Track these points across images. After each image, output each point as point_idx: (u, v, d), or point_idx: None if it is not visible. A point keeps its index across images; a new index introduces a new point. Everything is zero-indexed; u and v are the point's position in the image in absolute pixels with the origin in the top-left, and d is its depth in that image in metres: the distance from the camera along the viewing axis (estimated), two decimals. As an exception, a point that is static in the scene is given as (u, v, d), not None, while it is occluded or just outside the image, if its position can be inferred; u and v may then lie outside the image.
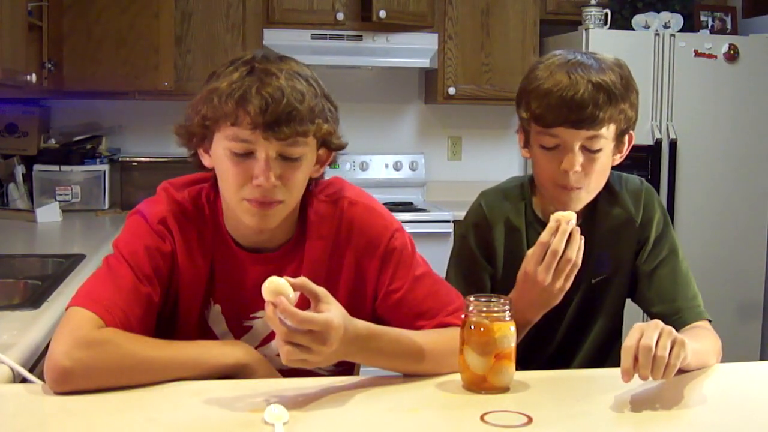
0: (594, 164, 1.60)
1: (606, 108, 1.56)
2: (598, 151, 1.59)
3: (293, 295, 1.24)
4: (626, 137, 1.66)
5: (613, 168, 1.69)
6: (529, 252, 1.52)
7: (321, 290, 1.28)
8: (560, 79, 1.56)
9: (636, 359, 1.28)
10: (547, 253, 1.48)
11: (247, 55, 1.40)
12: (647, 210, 1.73)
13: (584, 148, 1.58)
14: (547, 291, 1.51)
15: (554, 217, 1.50)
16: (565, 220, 1.48)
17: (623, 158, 1.68)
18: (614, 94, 1.56)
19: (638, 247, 1.72)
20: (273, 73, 1.35)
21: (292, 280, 1.25)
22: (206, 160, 1.45)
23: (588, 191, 1.63)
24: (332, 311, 1.26)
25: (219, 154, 1.39)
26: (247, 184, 1.36)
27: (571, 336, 1.75)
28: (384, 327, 1.39)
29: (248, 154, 1.36)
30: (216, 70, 1.41)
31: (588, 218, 1.70)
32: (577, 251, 1.49)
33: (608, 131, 1.59)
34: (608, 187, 1.71)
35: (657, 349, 1.28)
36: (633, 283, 1.74)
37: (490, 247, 1.72)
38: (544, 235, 1.49)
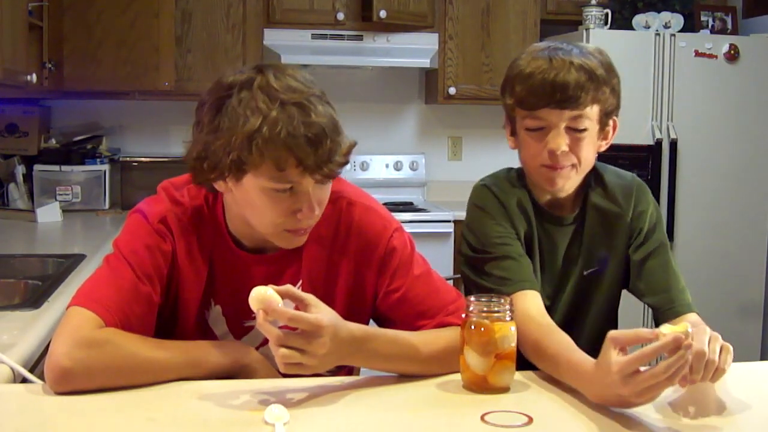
0: (580, 143, 1.60)
1: (588, 88, 1.57)
2: (584, 130, 1.60)
3: (281, 304, 1.25)
4: (611, 122, 1.67)
5: (602, 160, 1.70)
6: (624, 359, 1.22)
7: (309, 296, 1.29)
8: (541, 63, 1.58)
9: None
10: (642, 375, 1.21)
11: (256, 76, 1.33)
12: (639, 203, 1.73)
13: (569, 129, 1.59)
14: (619, 395, 1.25)
15: (670, 332, 1.23)
16: (682, 335, 1.22)
17: (608, 145, 1.69)
18: (595, 75, 1.58)
19: (629, 239, 1.72)
20: (305, 106, 1.31)
21: (277, 288, 1.26)
22: (222, 187, 1.40)
23: (577, 170, 1.63)
24: (322, 313, 1.27)
25: (252, 191, 1.35)
26: (288, 216, 1.36)
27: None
28: (380, 329, 1.39)
29: (289, 189, 1.35)
30: (225, 80, 1.34)
31: (579, 211, 1.72)
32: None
33: (592, 111, 1.60)
34: (600, 181, 1.73)
35: (708, 353, 1.28)
36: (626, 274, 1.74)
37: (506, 207, 1.68)
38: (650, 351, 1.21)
